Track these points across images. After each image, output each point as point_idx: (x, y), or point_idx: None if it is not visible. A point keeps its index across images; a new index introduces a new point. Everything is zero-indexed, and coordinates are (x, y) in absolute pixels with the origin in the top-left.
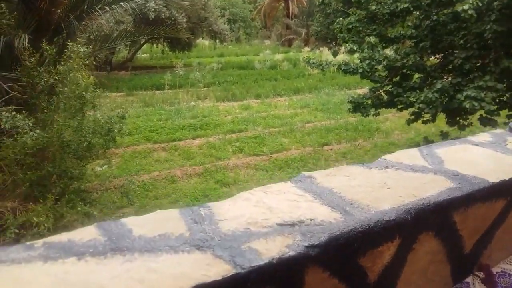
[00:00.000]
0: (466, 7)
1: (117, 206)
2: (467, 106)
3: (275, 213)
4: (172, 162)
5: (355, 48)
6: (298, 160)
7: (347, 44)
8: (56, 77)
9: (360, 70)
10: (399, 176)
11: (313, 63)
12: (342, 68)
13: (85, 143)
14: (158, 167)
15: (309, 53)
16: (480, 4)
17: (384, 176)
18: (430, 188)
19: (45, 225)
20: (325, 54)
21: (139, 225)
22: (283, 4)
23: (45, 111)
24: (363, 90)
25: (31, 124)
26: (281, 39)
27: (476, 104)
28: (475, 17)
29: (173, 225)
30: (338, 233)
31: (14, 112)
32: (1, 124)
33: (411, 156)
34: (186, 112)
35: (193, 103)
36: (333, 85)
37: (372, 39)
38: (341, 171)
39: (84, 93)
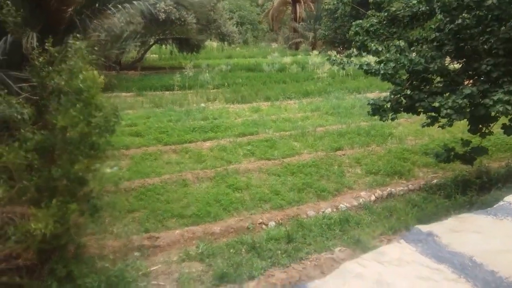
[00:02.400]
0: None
1: (128, 209)
2: (500, 109)
3: None
4: (183, 165)
5: (380, 49)
6: (310, 165)
7: (371, 45)
8: (61, 76)
9: (382, 72)
10: None
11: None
12: (364, 68)
13: (90, 141)
14: (169, 169)
15: (317, 56)
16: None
17: None
18: None
19: (42, 230)
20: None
21: None
22: (290, 8)
23: (53, 112)
24: (374, 94)
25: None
26: (288, 42)
27: (509, 107)
28: (496, 14)
29: None
30: None
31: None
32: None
33: None
34: (196, 114)
35: (203, 105)
36: (343, 89)
37: (402, 43)
38: (466, 224)
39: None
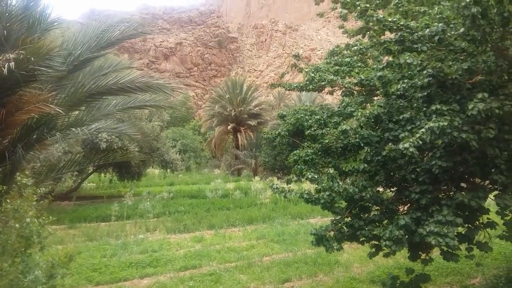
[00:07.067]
0: (407, 145)
1: None
2: (432, 242)
3: None
4: None
5: (316, 177)
6: None
7: (307, 174)
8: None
9: (322, 201)
10: None
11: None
12: (305, 196)
13: None
14: None
15: (259, 182)
16: (421, 143)
17: None
18: None
19: None
20: (274, 183)
21: None
22: (232, 137)
23: None
24: (316, 219)
25: None
26: (230, 168)
27: (441, 240)
28: (418, 154)
29: None
30: None
31: None
32: None
33: None
34: (134, 247)
35: (141, 236)
36: (286, 214)
37: (331, 171)
38: None
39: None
